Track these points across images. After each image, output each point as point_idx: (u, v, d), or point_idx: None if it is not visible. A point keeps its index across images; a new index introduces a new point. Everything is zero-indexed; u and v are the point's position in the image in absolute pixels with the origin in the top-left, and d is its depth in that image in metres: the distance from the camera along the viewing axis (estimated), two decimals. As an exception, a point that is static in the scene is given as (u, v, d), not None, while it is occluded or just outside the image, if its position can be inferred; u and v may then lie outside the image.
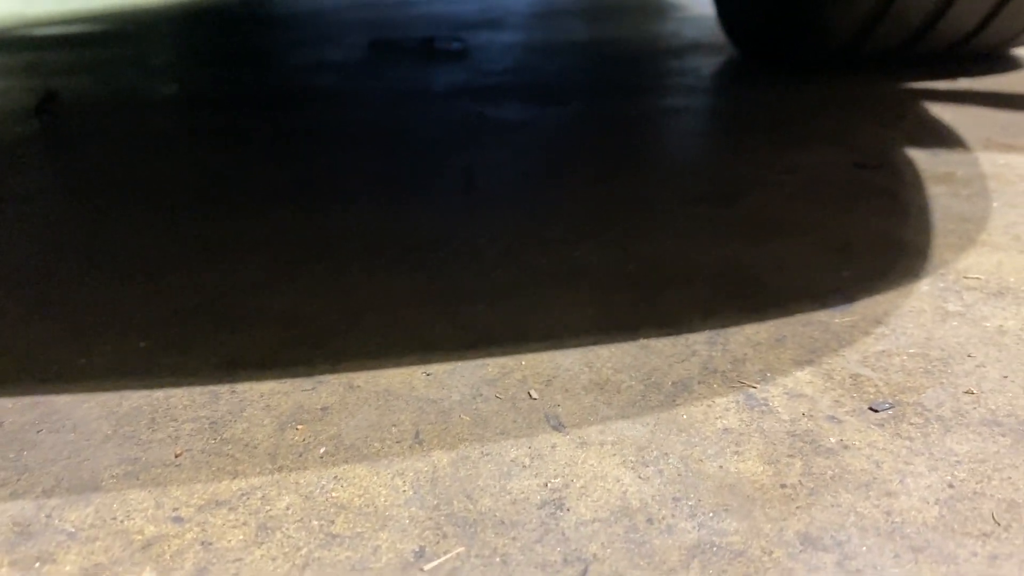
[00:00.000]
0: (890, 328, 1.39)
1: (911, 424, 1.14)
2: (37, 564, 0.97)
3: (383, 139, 2.78)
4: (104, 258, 1.89)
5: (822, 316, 1.45)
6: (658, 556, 0.94)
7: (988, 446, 1.09)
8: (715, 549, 0.94)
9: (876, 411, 1.18)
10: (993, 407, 1.17)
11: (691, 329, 1.42)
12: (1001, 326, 1.37)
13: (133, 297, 1.67)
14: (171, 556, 0.96)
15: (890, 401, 1.20)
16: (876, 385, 1.23)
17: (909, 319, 1.42)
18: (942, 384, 1.22)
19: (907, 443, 1.11)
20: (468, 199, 2.14)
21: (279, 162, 2.56)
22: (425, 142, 2.70)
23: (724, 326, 1.43)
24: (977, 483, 1.03)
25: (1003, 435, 1.11)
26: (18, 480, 1.12)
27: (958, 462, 1.07)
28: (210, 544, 0.98)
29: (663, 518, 0.99)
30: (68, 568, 0.96)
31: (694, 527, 0.98)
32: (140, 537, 0.99)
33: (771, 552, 0.94)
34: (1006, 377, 1.24)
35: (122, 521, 1.03)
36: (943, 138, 2.48)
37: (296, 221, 2.05)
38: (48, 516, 1.05)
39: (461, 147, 2.62)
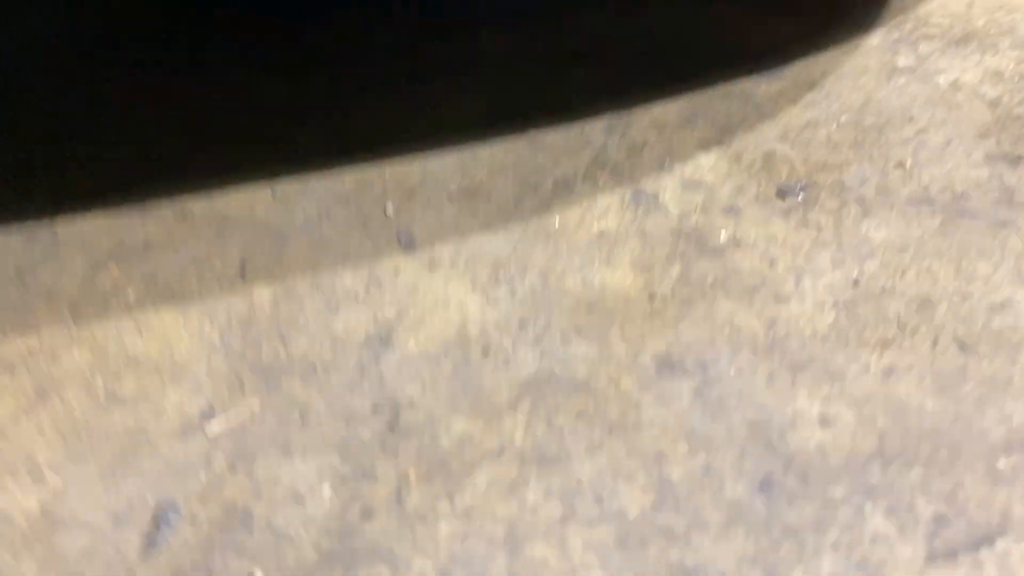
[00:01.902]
0: (823, 93, 1.15)
1: (823, 210, 0.93)
2: None
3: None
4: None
5: (747, 85, 1.21)
6: (484, 396, 0.77)
7: (911, 230, 0.89)
8: (553, 382, 0.78)
9: (784, 197, 0.98)
10: (926, 181, 0.95)
11: (591, 114, 1.20)
12: (956, 80, 1.13)
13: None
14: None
15: (803, 183, 0.99)
16: (791, 164, 1.02)
17: (848, 80, 1.17)
18: (871, 158, 1.01)
19: (813, 234, 0.91)
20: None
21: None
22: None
23: (630, 107, 1.20)
24: (888, 278, 0.83)
25: (932, 215, 0.90)
26: None
27: (871, 253, 0.87)
28: (-27, 417, 0.83)
29: (502, 348, 0.82)
30: None
31: (535, 357, 0.81)
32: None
33: (618, 382, 0.77)
34: (949, 143, 1.01)
35: None
36: None
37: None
38: None
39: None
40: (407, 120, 1.23)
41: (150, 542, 0.69)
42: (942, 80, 1.15)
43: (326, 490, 0.72)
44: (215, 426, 0.79)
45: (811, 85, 1.19)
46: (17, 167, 1.22)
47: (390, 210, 1.04)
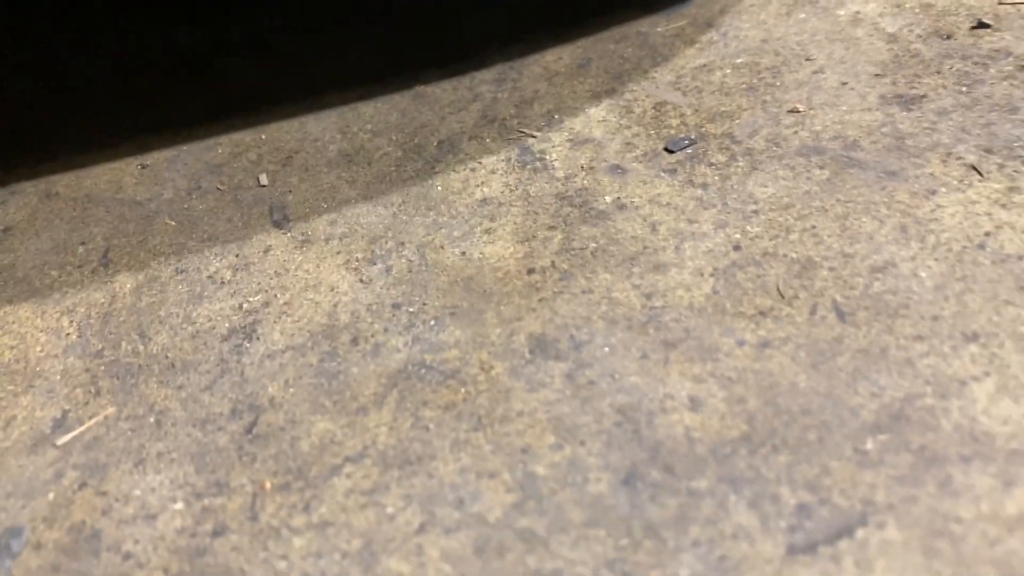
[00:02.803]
0: (721, 32, 1.10)
1: (710, 165, 0.89)
2: None
3: None
4: None
5: (643, 25, 1.15)
6: (350, 391, 0.73)
7: (799, 184, 0.85)
8: (423, 372, 0.74)
9: (672, 151, 0.93)
10: (819, 128, 0.91)
11: (482, 64, 1.13)
12: (858, 13, 1.08)
13: None
14: None
15: (693, 136, 0.94)
16: (682, 115, 0.97)
17: (748, 16, 1.12)
18: (764, 103, 0.96)
19: (698, 193, 0.87)
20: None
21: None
22: None
23: (522, 55, 1.14)
24: (772, 239, 0.80)
25: (822, 166, 0.86)
26: None
27: (755, 212, 0.83)
28: None
29: (372, 335, 0.78)
30: None
31: (406, 343, 0.77)
32: None
33: (490, 369, 0.73)
34: (845, 84, 0.97)
35: None
36: None
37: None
38: None
39: None
40: (287, 77, 1.16)
41: (-11, 574, 0.65)
42: (843, 13, 1.10)
43: (178, 505, 0.68)
44: (66, 437, 0.74)
45: (709, 24, 1.13)
46: None
47: (264, 180, 0.98)
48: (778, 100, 0.97)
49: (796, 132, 0.92)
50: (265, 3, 1.31)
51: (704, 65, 1.05)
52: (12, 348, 0.84)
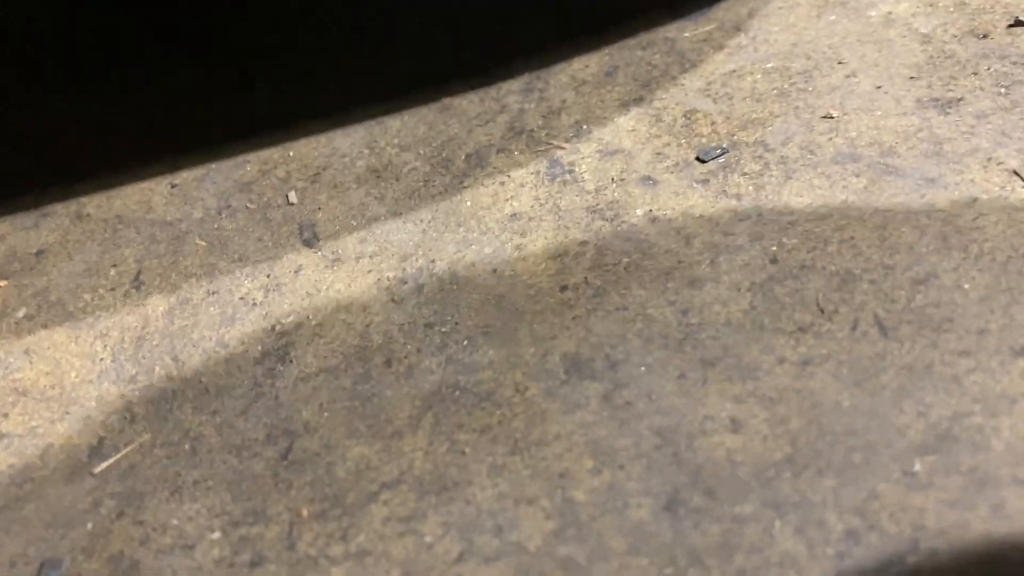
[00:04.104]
0: (750, 36, 1.08)
1: (744, 175, 0.88)
2: None
3: None
4: None
5: (670, 31, 1.13)
6: (385, 414, 0.73)
7: (836, 193, 0.84)
8: (457, 395, 0.73)
9: (704, 161, 0.92)
10: (854, 134, 0.90)
11: (508, 75, 1.13)
12: (890, 13, 1.06)
13: None
14: None
15: (724, 145, 0.93)
16: (713, 122, 0.95)
17: (777, 20, 1.10)
18: (797, 109, 0.94)
19: (733, 203, 0.85)
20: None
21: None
22: None
23: (548, 64, 1.13)
24: (809, 252, 0.78)
25: (858, 174, 0.85)
26: None
27: (791, 223, 0.82)
28: None
29: (406, 356, 0.77)
30: None
31: (440, 364, 0.76)
32: None
33: (525, 390, 0.72)
34: (879, 88, 0.95)
35: None
36: None
37: None
38: None
39: None
40: (313, 92, 1.15)
41: (30, 607, 0.65)
42: (874, 14, 1.08)
43: (215, 534, 0.67)
44: (103, 465, 0.74)
45: (737, 28, 1.12)
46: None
47: (293, 197, 0.98)
48: (811, 106, 0.96)
49: (830, 139, 0.91)
50: (288, 18, 1.30)
51: (734, 71, 1.04)
52: (48, 374, 0.84)
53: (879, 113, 0.93)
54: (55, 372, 0.85)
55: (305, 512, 0.67)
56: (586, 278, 0.82)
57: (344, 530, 0.66)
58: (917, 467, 0.61)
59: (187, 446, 0.74)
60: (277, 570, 0.64)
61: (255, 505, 0.69)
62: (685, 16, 1.17)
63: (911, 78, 0.96)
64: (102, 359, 0.85)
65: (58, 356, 0.86)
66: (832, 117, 0.94)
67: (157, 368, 0.83)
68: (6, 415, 0.81)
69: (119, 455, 0.75)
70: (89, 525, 0.70)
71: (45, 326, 0.90)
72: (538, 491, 0.66)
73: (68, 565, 0.67)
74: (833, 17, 1.10)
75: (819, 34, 1.07)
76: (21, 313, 0.92)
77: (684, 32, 1.13)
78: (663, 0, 1.21)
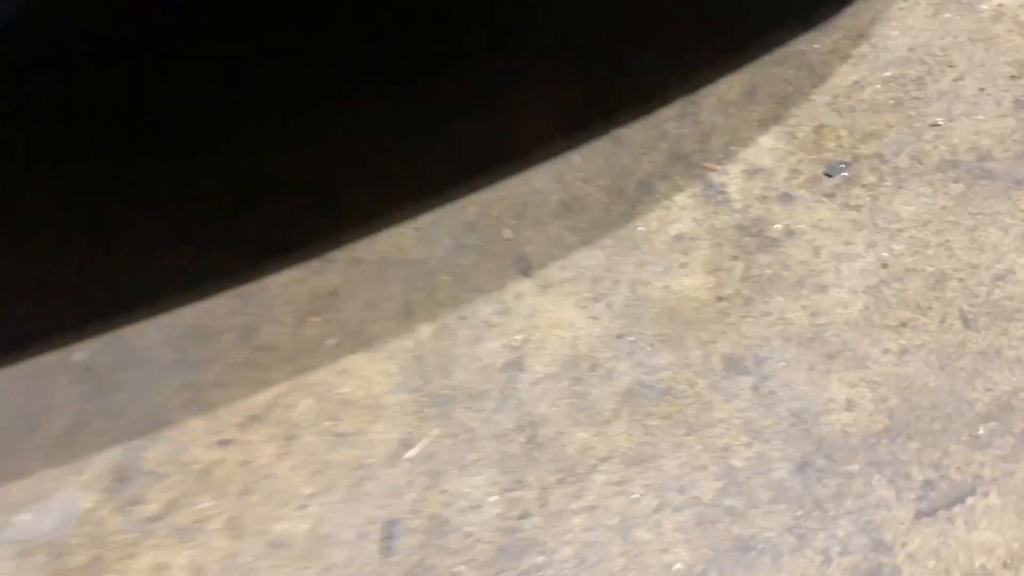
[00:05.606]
0: (872, 43, 1.28)
1: (862, 187, 1.12)
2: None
3: None
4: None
5: (801, 43, 1.35)
6: (594, 408, 1.06)
7: (937, 200, 1.06)
8: (645, 391, 1.04)
9: (830, 175, 1.16)
10: (956, 140, 1.11)
11: (663, 102, 1.39)
12: (1000, 6, 1.23)
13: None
14: (221, 480, 1.19)
15: (847, 159, 1.16)
16: (839, 136, 1.19)
17: (897, 23, 1.30)
18: (909, 118, 1.16)
19: (853, 215, 1.10)
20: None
21: None
22: None
23: (697, 89, 1.38)
24: (912, 256, 1.03)
25: (956, 180, 1.07)
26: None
27: (899, 231, 1.06)
28: (248, 463, 1.21)
29: (604, 362, 1.09)
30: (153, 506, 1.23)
31: (630, 367, 1.07)
32: (197, 466, 1.24)
33: (695, 385, 1.02)
34: (983, 90, 1.15)
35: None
36: None
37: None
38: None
39: None
40: (508, 137, 1.46)
41: (385, 550, 1.04)
42: (986, 7, 1.25)
43: (493, 498, 1.03)
44: (411, 453, 1.12)
45: (861, 34, 1.31)
46: (223, 223, 1.50)
47: (508, 234, 1.31)
48: (922, 114, 1.16)
49: (936, 147, 1.12)
50: (470, 68, 1.59)
51: (856, 82, 1.25)
52: (361, 389, 1.23)
53: (980, 117, 1.13)
54: (365, 386, 1.23)
55: (551, 480, 1.01)
56: (738, 289, 1.09)
57: (578, 491, 0.99)
58: (981, 431, 0.86)
59: (464, 436, 1.10)
60: (538, 520, 0.98)
61: (516, 476, 1.03)
62: (815, 26, 1.38)
63: (1012, 77, 1.15)
64: (393, 374, 1.22)
65: (364, 373, 1.25)
66: (939, 125, 1.14)
67: (435, 379, 1.19)
68: (339, 420, 1.21)
69: (420, 445, 1.12)
70: (410, 495, 1.08)
71: (352, 351, 1.28)
72: (708, 460, 0.96)
73: (403, 523, 1.05)
74: (948, 15, 1.27)
75: (934, 35, 1.25)
76: (331, 342, 1.31)
77: (814, 44, 1.34)
78: (796, 13, 1.41)
